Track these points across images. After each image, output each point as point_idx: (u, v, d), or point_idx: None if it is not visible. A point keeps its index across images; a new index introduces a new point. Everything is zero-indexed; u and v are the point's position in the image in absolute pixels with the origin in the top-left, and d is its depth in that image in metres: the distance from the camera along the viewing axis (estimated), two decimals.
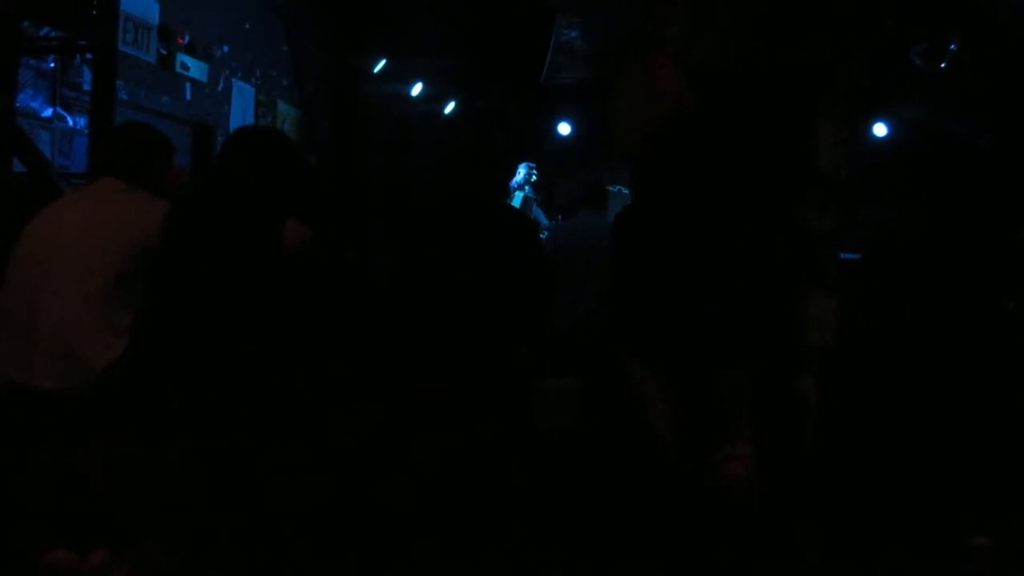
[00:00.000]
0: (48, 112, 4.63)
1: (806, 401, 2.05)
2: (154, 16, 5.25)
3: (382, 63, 7.70)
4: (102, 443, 1.88)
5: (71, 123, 4.78)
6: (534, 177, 6.06)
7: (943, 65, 6.48)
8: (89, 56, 4.35)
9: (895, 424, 2.47)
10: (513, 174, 5.91)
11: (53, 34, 4.20)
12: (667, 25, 2.04)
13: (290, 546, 1.59)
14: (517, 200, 5.88)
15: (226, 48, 6.34)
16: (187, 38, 5.71)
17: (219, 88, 6.29)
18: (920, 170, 6.75)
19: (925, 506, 1.90)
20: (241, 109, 6.54)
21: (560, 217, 6.59)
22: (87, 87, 4.57)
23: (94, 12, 3.89)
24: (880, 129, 7.86)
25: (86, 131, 4.65)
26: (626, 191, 5.96)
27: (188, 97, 5.89)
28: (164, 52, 5.44)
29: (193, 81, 5.89)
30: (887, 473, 2.11)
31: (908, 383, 2.54)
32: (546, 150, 8.54)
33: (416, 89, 7.94)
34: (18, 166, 3.62)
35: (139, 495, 1.70)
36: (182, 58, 5.66)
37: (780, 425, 2.02)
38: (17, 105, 3.83)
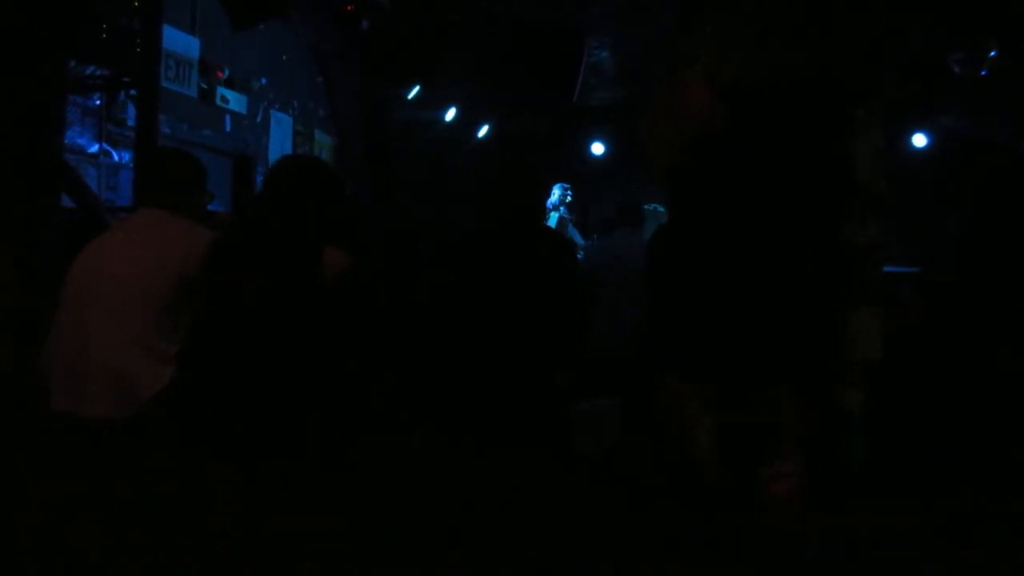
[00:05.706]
0: (95, 148, 4.76)
1: (853, 415, 2.02)
2: (194, 52, 5.38)
3: (415, 90, 7.79)
4: None
5: (116, 158, 4.92)
6: (569, 197, 6.06)
7: (983, 72, 6.36)
8: (133, 92, 4.48)
9: (947, 437, 2.41)
10: (548, 195, 5.91)
11: (98, 72, 4.34)
12: (696, 44, 2.04)
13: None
14: (553, 221, 5.89)
15: (264, 80, 6.48)
16: (227, 72, 5.85)
17: (258, 119, 6.43)
18: (965, 178, 6.61)
19: (975, 519, 1.85)
20: (279, 139, 6.66)
21: (595, 236, 6.57)
22: (131, 123, 4.70)
23: (137, 50, 4.01)
24: (920, 140, 7.74)
25: (131, 165, 4.78)
26: (662, 209, 5.93)
27: (228, 129, 6.02)
28: (205, 86, 5.58)
29: (233, 113, 6.03)
30: (937, 487, 2.06)
31: (963, 395, 2.48)
32: (580, 170, 8.54)
33: (450, 114, 8.02)
34: (66, 201, 3.73)
35: None
36: (222, 91, 5.79)
37: (827, 441, 1.98)
38: (65, 142, 3.95)
